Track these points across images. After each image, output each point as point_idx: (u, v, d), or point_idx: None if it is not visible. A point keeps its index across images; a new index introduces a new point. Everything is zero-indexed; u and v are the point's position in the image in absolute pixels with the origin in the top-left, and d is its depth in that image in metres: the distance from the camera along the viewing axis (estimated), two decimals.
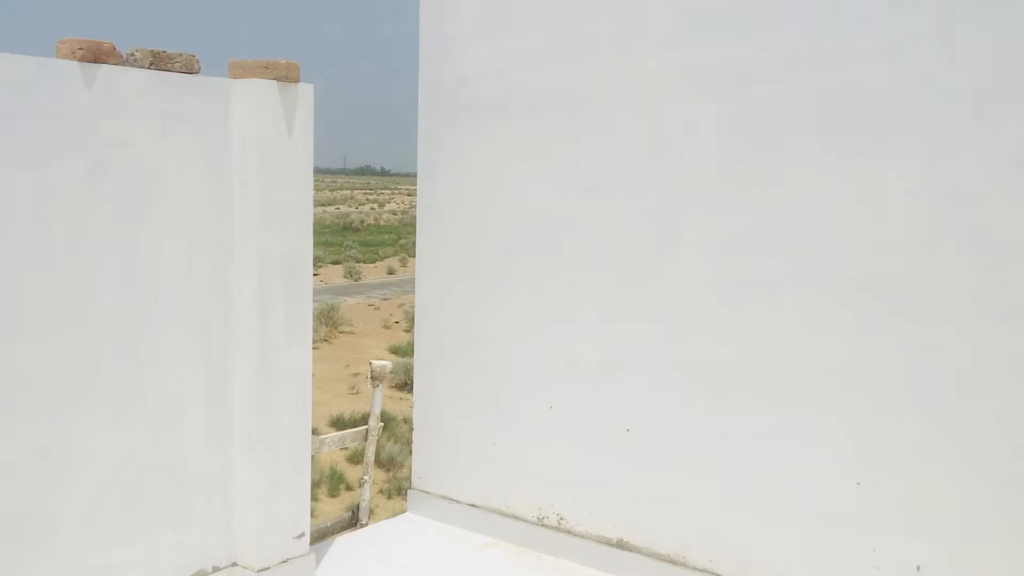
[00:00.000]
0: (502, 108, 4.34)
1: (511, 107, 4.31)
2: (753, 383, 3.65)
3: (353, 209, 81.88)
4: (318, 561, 4.06)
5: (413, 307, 4.91)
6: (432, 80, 4.63)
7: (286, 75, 3.73)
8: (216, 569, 3.74)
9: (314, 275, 3.74)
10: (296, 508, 3.90)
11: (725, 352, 3.70)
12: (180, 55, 3.51)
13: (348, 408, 17.79)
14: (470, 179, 4.51)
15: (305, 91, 3.80)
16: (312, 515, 4.04)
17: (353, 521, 4.67)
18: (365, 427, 4.72)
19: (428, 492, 4.74)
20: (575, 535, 4.18)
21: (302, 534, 3.93)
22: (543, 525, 4.29)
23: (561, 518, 4.24)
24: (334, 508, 13.07)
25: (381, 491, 14.15)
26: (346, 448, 15.50)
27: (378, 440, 4.85)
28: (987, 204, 3.11)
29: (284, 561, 3.84)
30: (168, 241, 3.48)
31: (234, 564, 3.79)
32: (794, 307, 3.53)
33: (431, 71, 4.63)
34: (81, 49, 3.19)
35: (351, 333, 26.52)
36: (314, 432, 4.09)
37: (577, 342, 4.16)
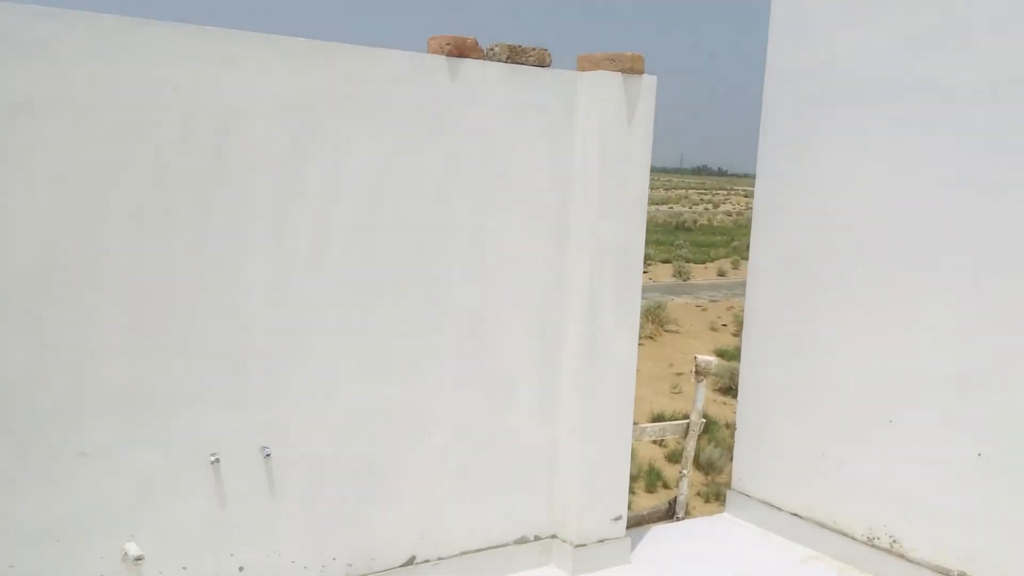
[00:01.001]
0: (858, 99, 4.08)
1: (869, 97, 4.04)
2: None
3: (686, 209, 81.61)
4: (633, 546, 4.11)
5: (742, 310, 4.79)
6: (780, 71, 4.48)
7: (631, 67, 3.80)
8: (537, 538, 3.92)
9: (643, 272, 3.78)
10: (615, 491, 3.98)
11: None
12: (534, 49, 3.71)
13: (669, 407, 17.78)
14: (814, 174, 4.30)
15: (648, 83, 3.85)
16: (628, 507, 4.10)
17: (669, 513, 4.67)
18: (686, 421, 4.69)
19: (748, 495, 4.61)
20: (909, 560, 3.85)
21: (619, 517, 4.00)
22: (873, 545, 4.00)
23: (894, 540, 3.92)
24: (650, 504, 13.15)
25: (699, 494, 14.01)
26: (664, 442, 15.54)
27: (698, 439, 4.81)
28: None
29: (601, 541, 3.94)
30: (513, 225, 3.70)
31: (553, 536, 3.95)
32: None
33: (780, 62, 4.47)
34: (449, 44, 3.48)
35: (676, 332, 26.47)
36: (634, 424, 4.15)
37: (925, 353, 3.81)
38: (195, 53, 2.98)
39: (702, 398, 4.64)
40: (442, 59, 3.46)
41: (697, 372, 4.56)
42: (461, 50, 3.50)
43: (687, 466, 4.72)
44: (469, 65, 3.51)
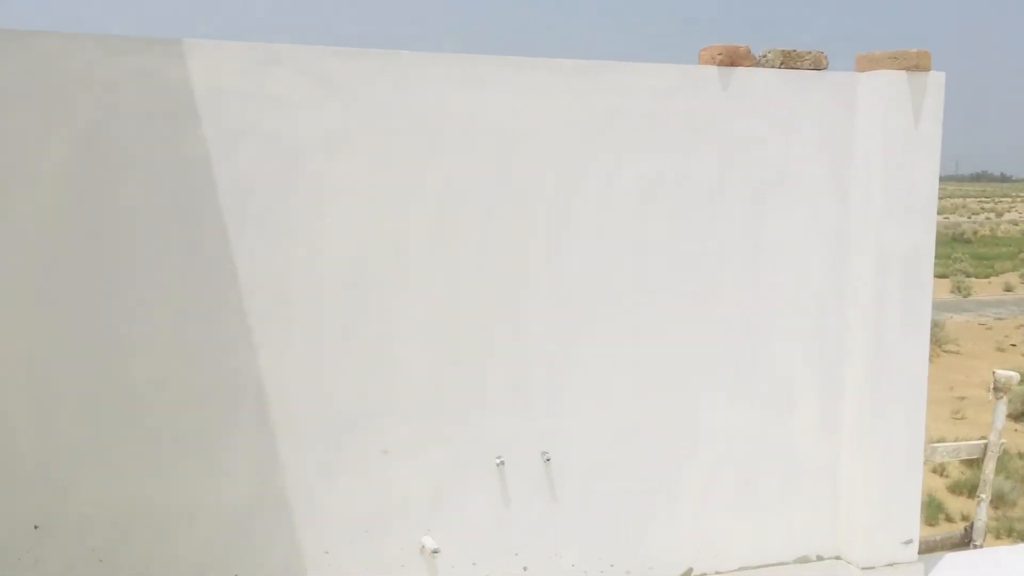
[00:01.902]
0: None
1: None
2: None
3: (965, 219, 75.03)
4: (926, 572, 3.84)
5: None
6: None
7: (916, 64, 3.60)
8: (820, 558, 3.77)
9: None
10: (906, 511, 3.75)
11: None
12: (809, 53, 3.62)
13: (950, 433, 16.37)
14: None
15: (935, 79, 3.63)
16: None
17: (965, 541, 4.32)
18: (984, 441, 4.33)
19: None
20: None
21: (910, 540, 3.76)
22: None
23: None
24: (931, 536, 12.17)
25: (989, 529, 12.80)
26: (945, 471, 14.31)
27: (976, 468, 4.42)
28: None
29: (890, 564, 3.72)
30: (789, 232, 3.61)
31: (837, 557, 3.78)
32: None
33: None
34: (720, 55, 3.48)
35: (957, 353, 24.37)
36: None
37: None
38: (476, 79, 3.20)
39: (1002, 416, 4.26)
40: (713, 69, 3.46)
41: (996, 388, 4.20)
42: (733, 59, 3.49)
43: (986, 489, 4.34)
44: (740, 74, 3.49)
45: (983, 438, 4.40)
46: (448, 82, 3.17)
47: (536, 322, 3.36)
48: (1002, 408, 4.25)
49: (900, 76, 3.57)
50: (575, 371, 3.42)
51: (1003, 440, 4.30)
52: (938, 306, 30.86)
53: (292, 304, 3.09)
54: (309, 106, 3.04)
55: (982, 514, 4.37)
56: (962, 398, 18.89)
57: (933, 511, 13.55)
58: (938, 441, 16.51)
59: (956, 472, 13.96)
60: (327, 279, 3.11)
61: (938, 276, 38.37)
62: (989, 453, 4.28)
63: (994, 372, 4.15)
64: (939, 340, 24.70)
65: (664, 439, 3.56)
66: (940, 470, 15.74)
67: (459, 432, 3.30)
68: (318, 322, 3.12)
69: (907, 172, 3.61)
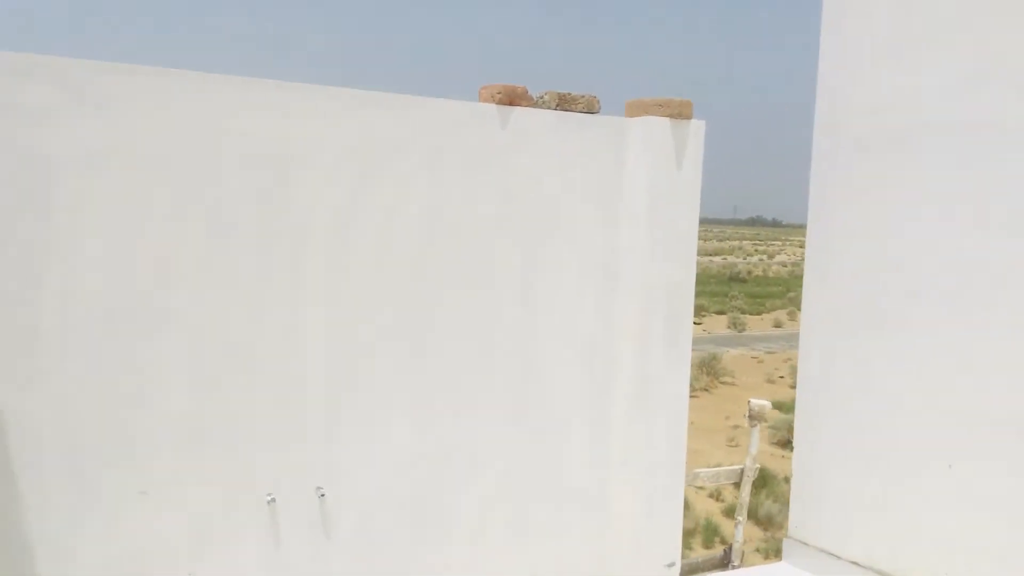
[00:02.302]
0: (911, 142, 4.07)
1: (922, 141, 4.02)
2: None
3: (741, 259, 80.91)
4: None
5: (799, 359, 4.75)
6: (830, 115, 4.48)
7: (679, 112, 3.86)
8: None
9: (697, 324, 3.79)
10: (668, 535, 3.94)
11: None
12: (583, 97, 3.80)
13: (726, 459, 17.49)
14: (867, 218, 4.27)
15: (696, 127, 3.90)
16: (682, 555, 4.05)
17: (724, 561, 4.59)
18: (741, 466, 4.64)
19: (805, 543, 4.50)
20: None
21: (672, 563, 3.95)
22: None
23: None
24: None
25: (757, 549, 13.69)
26: (721, 496, 15.25)
27: (754, 491, 4.74)
28: None
29: None
30: (563, 267, 3.75)
31: None
32: None
33: (830, 106, 4.48)
34: (499, 93, 3.58)
35: (732, 385, 26.14)
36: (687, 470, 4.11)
37: (984, 395, 3.73)
38: (253, 103, 3.12)
39: (756, 443, 4.59)
40: (493, 107, 3.56)
41: (751, 417, 4.52)
42: (511, 98, 3.60)
43: (742, 512, 4.65)
44: (519, 113, 3.60)
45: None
46: (223, 104, 3.07)
47: (311, 353, 3.28)
48: (757, 435, 4.57)
49: (665, 123, 3.82)
50: (353, 403, 3.37)
51: (758, 465, 4.63)
52: (716, 341, 33.07)
53: (41, 332, 2.85)
54: (68, 122, 2.84)
55: (739, 536, 4.66)
56: (736, 427, 20.27)
57: (709, 534, 14.38)
58: (716, 466, 17.50)
59: (731, 496, 14.91)
60: (83, 304, 2.90)
61: (716, 313, 41.15)
62: (745, 478, 4.59)
63: (749, 401, 4.46)
64: (716, 372, 26.41)
65: (442, 472, 3.56)
66: (716, 494, 16.74)
67: (226, 468, 3.16)
68: (72, 352, 2.90)
69: (670, 213, 3.84)
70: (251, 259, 3.15)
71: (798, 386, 4.62)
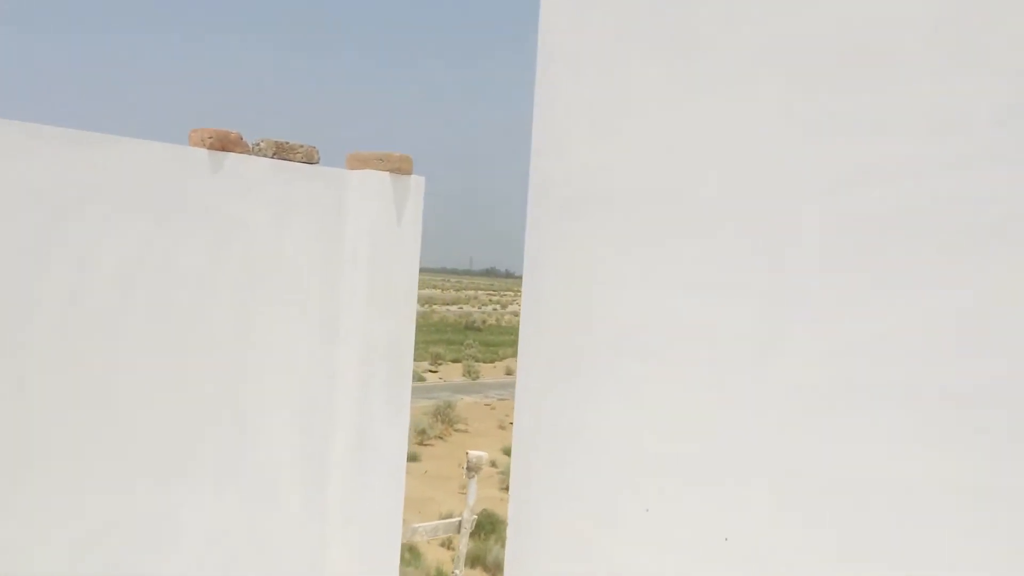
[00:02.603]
0: (608, 206, 4.37)
1: (617, 205, 4.34)
2: (861, 502, 3.43)
3: (476, 309, 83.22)
4: None
5: None
6: (543, 177, 4.71)
7: (399, 167, 3.90)
8: None
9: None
10: None
11: (823, 465, 3.52)
12: (302, 146, 3.73)
13: (458, 506, 17.68)
14: (576, 274, 4.53)
15: (417, 183, 3.96)
16: None
17: None
18: (458, 519, 4.69)
19: None
20: None
21: None
22: None
23: None
24: None
25: None
26: (452, 544, 15.36)
27: (476, 538, 4.81)
28: None
29: None
30: (280, 321, 3.63)
31: None
32: (903, 420, 3.34)
33: (542, 169, 4.72)
34: (211, 138, 3.43)
35: (466, 432, 26.62)
36: (407, 525, 4.10)
37: (675, 445, 4.04)
38: None
39: (474, 494, 4.66)
40: (204, 152, 3.40)
41: (469, 468, 4.59)
42: (224, 143, 3.46)
43: (460, 564, 4.69)
44: (233, 159, 3.47)
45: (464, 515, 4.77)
46: None
47: None
48: (474, 486, 4.65)
49: (385, 177, 3.84)
50: (32, 474, 3.02)
51: (475, 516, 4.69)
52: (450, 388, 33.61)
53: None
54: None
55: None
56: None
57: None
58: (447, 513, 17.69)
59: (448, 536, 15.06)
60: None
61: (452, 361, 41.91)
62: (463, 529, 4.64)
63: (467, 453, 4.54)
64: (450, 420, 26.79)
65: (141, 539, 3.28)
66: (447, 543, 16.86)
67: None
68: None
69: (389, 266, 3.85)
70: None
71: (514, 430, 4.77)
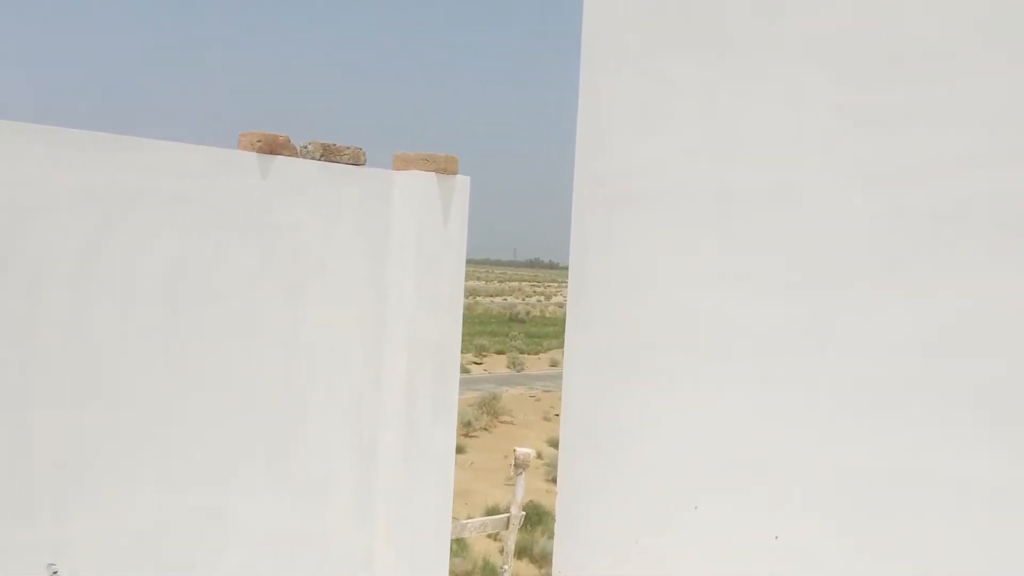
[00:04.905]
0: (654, 202, 4.35)
1: (664, 202, 4.31)
2: (911, 499, 3.38)
3: (520, 301, 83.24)
4: None
5: None
6: (588, 175, 4.71)
7: (444, 167, 3.91)
8: None
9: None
10: None
11: (880, 462, 3.46)
12: (348, 148, 3.77)
13: (504, 499, 17.75)
14: (621, 271, 4.51)
15: (462, 183, 3.97)
16: None
17: None
18: (507, 515, 4.71)
19: None
20: None
21: None
22: None
23: None
24: None
25: None
26: (499, 536, 15.43)
27: (523, 530, 4.83)
28: None
29: None
30: (328, 321, 3.67)
31: None
32: (962, 417, 3.27)
33: (587, 167, 4.71)
34: (259, 141, 3.48)
35: (511, 423, 26.68)
36: (455, 520, 4.13)
37: (724, 442, 4.01)
38: None
39: (522, 491, 4.68)
40: (252, 155, 3.45)
41: (516, 465, 4.61)
42: (272, 147, 3.51)
43: (508, 560, 4.72)
44: (281, 162, 3.52)
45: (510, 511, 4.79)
46: None
47: (40, 414, 3.00)
48: (522, 483, 4.67)
49: (431, 177, 3.86)
50: (92, 467, 3.10)
51: (523, 512, 4.72)
52: (495, 380, 33.69)
53: None
54: None
55: None
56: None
57: (488, 575, 14.49)
58: (493, 506, 17.75)
59: (496, 531, 15.12)
60: None
61: (496, 352, 41.97)
62: (511, 525, 4.66)
63: (515, 450, 4.55)
64: (496, 412, 26.87)
65: (195, 535, 3.35)
66: (495, 534, 16.95)
67: None
68: None
69: (436, 267, 3.87)
70: None
71: (561, 428, 4.77)
